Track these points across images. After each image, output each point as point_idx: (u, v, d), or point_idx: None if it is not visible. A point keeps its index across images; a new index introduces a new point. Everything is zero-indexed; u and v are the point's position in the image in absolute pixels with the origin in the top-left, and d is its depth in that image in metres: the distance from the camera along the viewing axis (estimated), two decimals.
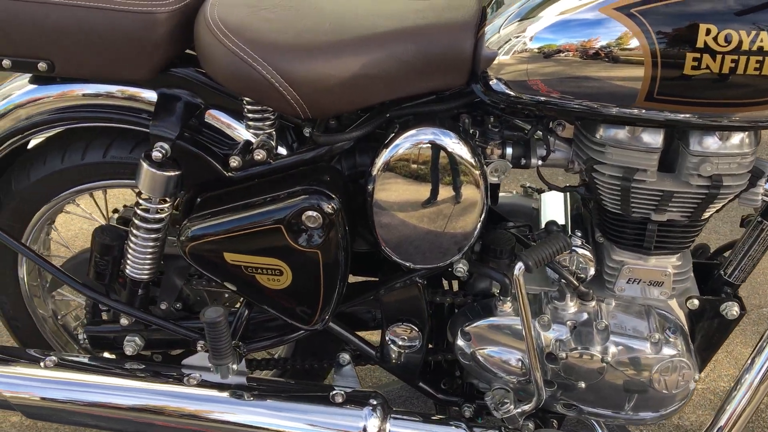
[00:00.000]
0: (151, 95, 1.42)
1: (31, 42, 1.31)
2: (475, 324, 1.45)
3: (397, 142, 1.29)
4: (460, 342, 1.47)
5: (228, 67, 1.23)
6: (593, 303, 1.41)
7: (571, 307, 1.41)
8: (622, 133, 1.26)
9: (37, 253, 1.55)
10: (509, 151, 1.36)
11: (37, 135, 1.54)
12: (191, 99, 1.38)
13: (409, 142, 1.29)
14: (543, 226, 1.46)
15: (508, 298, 1.43)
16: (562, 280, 1.40)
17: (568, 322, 1.40)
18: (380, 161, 1.30)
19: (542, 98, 1.23)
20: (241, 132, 1.41)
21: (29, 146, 1.60)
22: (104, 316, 1.68)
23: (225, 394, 1.50)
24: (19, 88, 1.48)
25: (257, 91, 1.24)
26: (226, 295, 1.71)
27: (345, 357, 1.57)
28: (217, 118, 1.41)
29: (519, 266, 1.31)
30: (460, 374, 1.67)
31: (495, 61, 1.23)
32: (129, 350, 1.59)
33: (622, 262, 1.39)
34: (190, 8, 1.33)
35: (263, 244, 1.31)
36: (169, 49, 1.33)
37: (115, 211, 1.87)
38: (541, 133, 1.36)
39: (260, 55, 1.22)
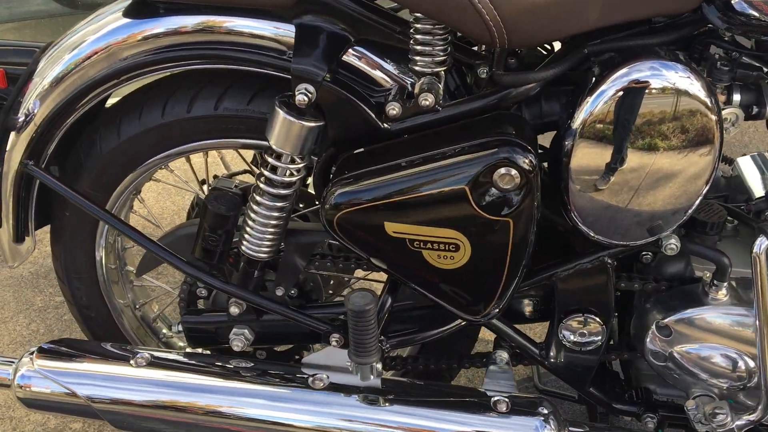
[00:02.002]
0: (282, 28, 1.14)
1: None
2: (678, 316, 1.17)
3: (603, 87, 1.02)
4: (653, 339, 1.20)
5: None
6: None
7: None
8: None
9: (129, 225, 1.27)
10: (737, 97, 1.09)
11: (127, 84, 1.26)
12: (337, 31, 1.11)
13: (621, 84, 1.01)
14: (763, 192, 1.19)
15: (725, 284, 1.15)
16: None
17: None
18: (583, 111, 1.02)
19: None
20: (392, 74, 1.13)
21: (110, 101, 1.33)
22: (200, 305, 1.40)
23: (361, 400, 1.22)
24: (113, 21, 1.20)
25: (446, 8, 0.97)
26: (346, 279, 1.44)
27: (503, 356, 1.29)
28: (362, 56, 1.13)
29: (762, 242, 1.03)
30: (627, 378, 1.39)
31: None
32: (237, 346, 1.31)
33: None
34: None
35: (439, 212, 1.03)
36: None
37: (203, 182, 1.60)
38: None
39: None
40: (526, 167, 1.00)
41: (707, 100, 1.00)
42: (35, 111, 1.25)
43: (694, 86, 1.00)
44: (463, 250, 1.05)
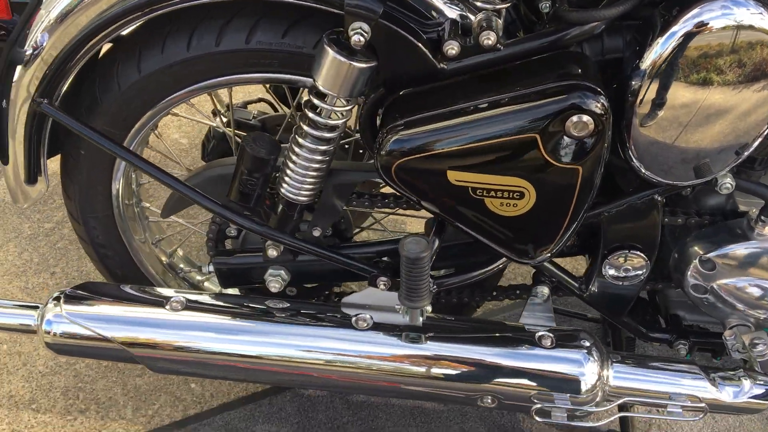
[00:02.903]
0: None
1: None
2: (722, 251, 1.18)
3: (675, 28, 0.97)
4: (694, 272, 1.21)
5: None
6: None
7: None
8: None
9: (159, 168, 1.20)
10: None
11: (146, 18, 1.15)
12: None
13: (693, 24, 0.97)
14: None
15: None
16: None
17: None
18: (653, 52, 0.98)
19: None
20: (447, 9, 1.06)
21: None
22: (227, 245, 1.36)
23: (407, 339, 1.22)
24: None
25: None
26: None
27: (544, 290, 1.30)
28: None
29: None
30: (654, 305, 1.42)
31: None
32: (275, 287, 1.29)
33: None
34: None
35: (507, 160, 1.00)
36: None
37: (215, 113, 1.52)
38: None
39: None
40: (599, 111, 0.96)
41: None
42: (44, 44, 1.14)
43: (766, 22, 0.97)
44: (527, 197, 1.03)
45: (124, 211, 1.39)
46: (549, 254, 1.12)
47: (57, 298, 1.28)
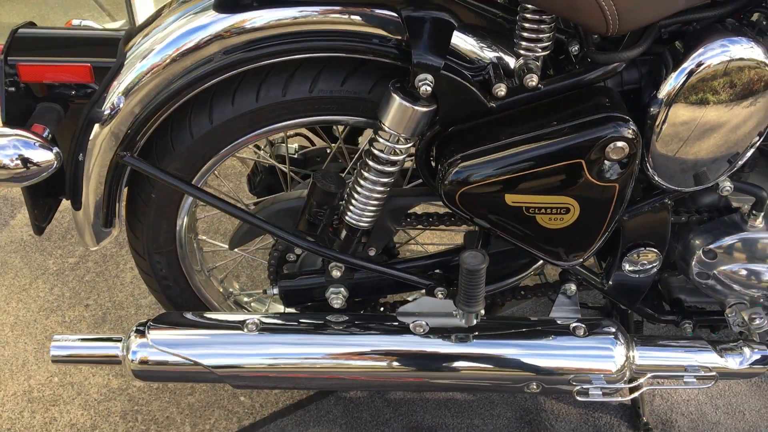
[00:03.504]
0: (385, 17, 1.21)
1: None
2: (722, 242, 1.40)
3: (684, 65, 1.17)
4: (698, 261, 1.43)
5: None
6: None
7: None
8: None
9: (241, 208, 1.34)
10: None
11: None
12: (443, 17, 1.19)
13: (698, 61, 1.17)
14: None
15: (762, 213, 1.38)
16: None
17: None
18: (668, 85, 1.18)
19: None
20: (493, 56, 1.23)
21: None
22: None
23: (463, 339, 1.40)
24: (205, 15, 1.23)
25: (571, 5, 1.08)
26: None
27: (572, 287, 1.49)
28: (466, 41, 1.23)
29: None
30: (659, 293, 1.63)
31: None
32: (337, 303, 1.45)
33: None
34: None
35: (556, 182, 1.19)
36: None
37: (258, 148, 1.67)
38: None
39: None
40: (631, 136, 1.16)
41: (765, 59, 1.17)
42: (120, 106, 1.27)
43: (756, 53, 1.17)
44: (572, 212, 1.22)
45: (186, 245, 1.53)
46: (585, 258, 1.32)
47: (139, 330, 1.41)
